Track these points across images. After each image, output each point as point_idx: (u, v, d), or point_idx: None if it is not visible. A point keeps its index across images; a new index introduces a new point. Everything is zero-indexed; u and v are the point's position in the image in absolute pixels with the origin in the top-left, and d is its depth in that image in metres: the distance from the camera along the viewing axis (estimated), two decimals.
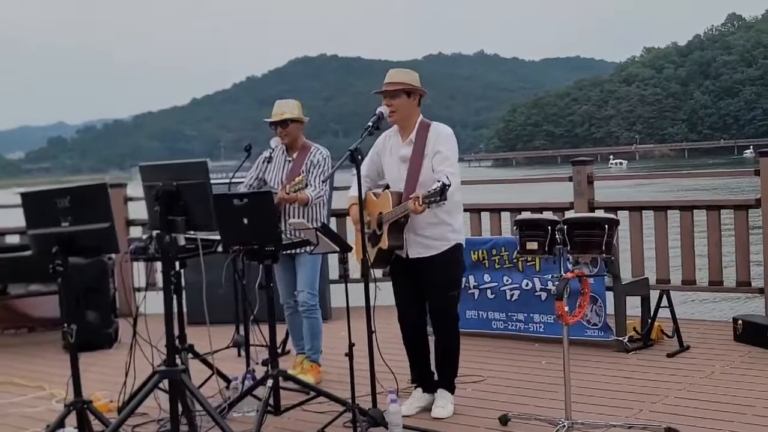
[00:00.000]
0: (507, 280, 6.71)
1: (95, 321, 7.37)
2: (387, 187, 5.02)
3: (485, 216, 7.97)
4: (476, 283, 6.84)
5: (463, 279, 6.72)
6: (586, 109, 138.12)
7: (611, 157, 78.61)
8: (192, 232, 4.49)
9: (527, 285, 6.62)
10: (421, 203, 4.39)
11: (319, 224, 5.15)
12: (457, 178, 4.75)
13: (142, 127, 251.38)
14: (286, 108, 5.76)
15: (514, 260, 6.64)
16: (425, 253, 4.83)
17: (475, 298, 6.86)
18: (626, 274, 6.90)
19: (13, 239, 9.11)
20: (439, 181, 4.36)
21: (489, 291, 6.80)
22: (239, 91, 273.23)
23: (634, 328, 6.32)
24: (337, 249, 4.73)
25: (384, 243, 4.77)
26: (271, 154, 5.78)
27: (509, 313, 6.74)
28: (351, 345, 4.56)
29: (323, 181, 5.47)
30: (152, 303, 5.50)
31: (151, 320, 4.94)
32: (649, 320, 6.34)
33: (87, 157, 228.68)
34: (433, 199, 4.34)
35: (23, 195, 4.61)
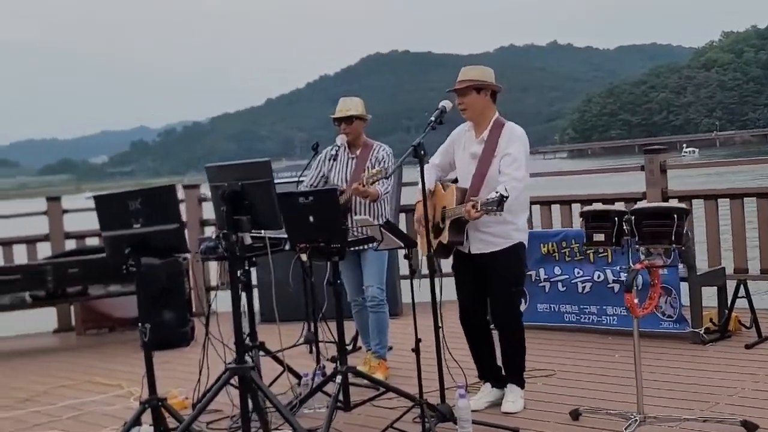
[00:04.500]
0: (578, 273, 6.63)
1: (171, 320, 7.52)
2: (456, 179, 5.02)
3: (555, 208, 7.87)
4: (546, 276, 6.78)
5: (533, 272, 6.71)
6: (663, 96, 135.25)
7: (684, 145, 76.90)
8: (258, 231, 4.54)
9: (599, 277, 6.53)
10: (478, 210, 4.38)
11: (383, 220, 5.16)
12: (522, 182, 4.71)
13: (220, 129, 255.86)
14: (351, 105, 5.81)
15: (585, 252, 6.55)
16: (487, 249, 4.81)
17: (546, 291, 6.79)
18: (702, 265, 6.74)
19: (92, 242, 9.36)
20: (497, 192, 4.32)
21: (560, 284, 6.73)
22: (312, 90, 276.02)
23: (711, 320, 6.18)
24: (402, 245, 4.74)
25: (444, 237, 4.77)
26: (337, 151, 5.80)
27: (581, 306, 6.66)
28: (418, 340, 4.57)
29: (386, 177, 5.46)
30: (227, 302, 5.58)
31: (225, 318, 5.02)
32: (726, 311, 6.18)
33: (168, 160, 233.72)
34: (489, 208, 4.31)
35: (96, 198, 4.72)
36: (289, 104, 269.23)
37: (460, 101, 4.81)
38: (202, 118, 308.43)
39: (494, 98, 4.89)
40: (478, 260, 4.85)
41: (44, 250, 9.05)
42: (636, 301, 4.27)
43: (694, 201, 7.14)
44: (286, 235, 5.12)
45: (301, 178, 6.21)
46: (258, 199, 4.16)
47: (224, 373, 4.49)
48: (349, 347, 6.38)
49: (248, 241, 4.28)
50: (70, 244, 9.14)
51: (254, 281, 7.11)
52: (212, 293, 5.64)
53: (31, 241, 9.06)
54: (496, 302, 4.93)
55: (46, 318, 9.09)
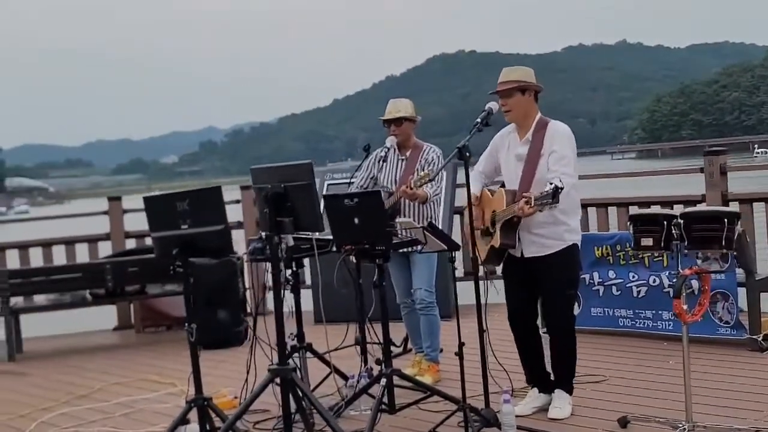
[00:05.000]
0: (633, 276, 6.50)
1: (225, 319, 7.60)
2: (503, 184, 4.97)
3: (612, 210, 7.73)
4: (601, 280, 6.66)
5: (587, 275, 6.61)
6: (736, 96, 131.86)
7: (756, 146, 74.91)
8: (303, 233, 4.55)
9: (654, 281, 6.39)
10: (532, 205, 4.32)
11: (432, 221, 5.13)
12: (573, 178, 4.64)
13: (287, 129, 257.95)
14: (400, 106, 5.80)
15: (640, 256, 6.42)
16: (540, 252, 4.74)
17: (600, 294, 6.68)
18: (763, 270, 6.54)
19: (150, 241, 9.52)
20: (551, 183, 4.27)
21: (614, 287, 6.61)
22: (378, 90, 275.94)
23: None
24: (446, 248, 4.70)
25: (496, 241, 4.71)
26: (386, 153, 5.79)
27: (636, 311, 6.53)
28: (461, 344, 4.53)
29: (431, 180, 5.43)
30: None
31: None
32: None
33: (235, 160, 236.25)
34: (544, 201, 4.26)
35: (145, 199, 4.79)
36: (355, 104, 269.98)
37: (503, 102, 4.76)
38: (269, 119, 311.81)
39: (536, 98, 4.83)
40: (531, 264, 4.78)
41: (105, 249, 9.25)
42: (685, 307, 4.16)
43: (755, 204, 6.95)
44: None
45: (351, 180, 6.22)
46: (300, 202, 4.18)
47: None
48: (400, 349, 6.37)
49: (291, 242, 4.28)
50: (131, 243, 9.32)
51: (308, 281, 7.15)
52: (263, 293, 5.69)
53: (92, 240, 9.27)
54: (549, 306, 4.87)
55: (108, 316, 9.29)
